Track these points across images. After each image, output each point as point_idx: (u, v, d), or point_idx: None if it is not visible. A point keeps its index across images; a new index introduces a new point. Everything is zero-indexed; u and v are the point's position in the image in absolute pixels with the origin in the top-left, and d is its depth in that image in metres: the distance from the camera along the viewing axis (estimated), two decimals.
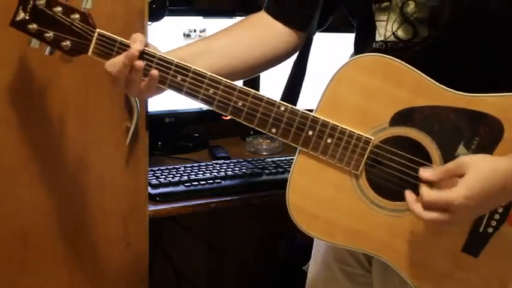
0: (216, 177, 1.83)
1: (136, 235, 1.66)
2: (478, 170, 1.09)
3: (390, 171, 1.19)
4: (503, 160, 1.11)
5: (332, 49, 1.95)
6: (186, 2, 2.25)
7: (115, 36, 1.22)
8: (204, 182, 1.80)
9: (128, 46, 1.20)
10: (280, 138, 1.21)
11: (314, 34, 1.36)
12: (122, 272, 1.66)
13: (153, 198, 1.71)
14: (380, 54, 1.17)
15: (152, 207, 1.69)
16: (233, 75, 1.25)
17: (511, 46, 1.18)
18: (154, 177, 1.79)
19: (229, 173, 1.87)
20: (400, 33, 1.22)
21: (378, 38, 1.24)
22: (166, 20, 1.84)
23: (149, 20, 1.60)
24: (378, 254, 1.22)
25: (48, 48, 1.23)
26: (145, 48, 1.21)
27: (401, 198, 1.16)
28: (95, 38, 1.21)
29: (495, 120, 1.14)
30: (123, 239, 1.64)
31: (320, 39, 1.41)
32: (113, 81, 1.21)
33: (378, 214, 1.20)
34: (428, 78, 1.15)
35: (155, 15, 1.77)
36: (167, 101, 2.08)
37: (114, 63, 1.20)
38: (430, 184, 1.12)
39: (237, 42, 1.35)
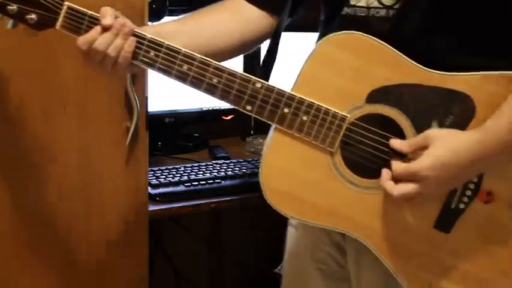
0: (216, 177, 1.83)
1: (136, 235, 1.66)
2: (443, 142, 1.13)
3: (365, 148, 1.20)
4: (472, 133, 1.14)
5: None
6: (186, 2, 2.25)
7: (85, 9, 1.19)
8: (204, 182, 1.80)
9: (98, 19, 1.18)
10: (255, 115, 1.20)
11: (286, 19, 1.36)
12: (122, 272, 1.66)
13: (153, 198, 1.71)
14: (355, 32, 1.17)
15: (152, 207, 1.69)
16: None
17: (487, 12, 1.19)
18: (154, 177, 1.79)
19: (229, 173, 1.87)
20: None
21: (354, 2, 1.24)
22: (167, 20, 1.83)
23: (149, 20, 1.60)
24: (351, 232, 1.23)
25: (11, 21, 1.17)
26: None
27: (376, 175, 1.18)
28: (63, 11, 1.17)
29: (468, 98, 1.16)
30: (123, 239, 1.64)
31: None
32: (87, 56, 1.19)
33: (353, 192, 1.20)
34: (404, 56, 1.16)
35: (155, 15, 1.77)
36: (167, 101, 2.08)
37: (88, 38, 1.17)
38: (403, 159, 1.15)
39: (213, 26, 1.35)
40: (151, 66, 1.21)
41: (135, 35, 1.19)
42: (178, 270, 2.38)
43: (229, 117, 2.23)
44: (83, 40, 1.18)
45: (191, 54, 1.20)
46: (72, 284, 1.61)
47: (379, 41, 1.16)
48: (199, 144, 2.18)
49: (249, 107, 1.20)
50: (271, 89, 1.19)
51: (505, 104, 1.14)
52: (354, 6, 1.24)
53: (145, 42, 1.20)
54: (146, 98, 1.60)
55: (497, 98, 1.15)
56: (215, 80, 1.20)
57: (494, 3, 1.18)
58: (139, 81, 1.56)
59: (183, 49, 1.20)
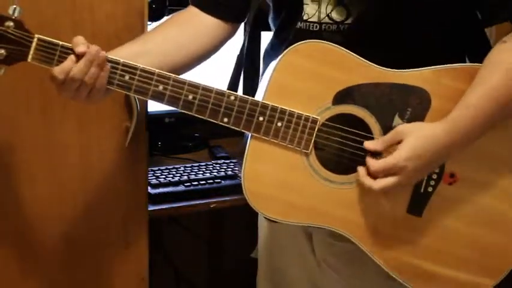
0: (216, 177, 1.83)
1: (136, 235, 1.66)
2: (415, 133, 1.20)
3: (337, 146, 1.27)
4: (440, 123, 1.22)
5: None
6: (186, 2, 2.25)
7: (56, 40, 1.18)
8: (204, 182, 1.80)
9: (70, 49, 1.18)
10: (232, 127, 1.25)
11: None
12: (122, 272, 1.66)
13: (153, 198, 1.71)
14: (318, 40, 1.25)
15: (152, 207, 1.69)
16: (172, 73, 1.26)
17: (435, 24, 1.28)
18: (154, 177, 1.79)
19: (229, 173, 1.87)
20: (334, 15, 1.28)
21: (306, 17, 1.30)
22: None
23: (149, 20, 1.60)
24: (332, 226, 1.28)
25: None
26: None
27: (349, 171, 1.26)
28: (34, 43, 1.17)
29: (423, 91, 1.25)
30: (123, 239, 1.64)
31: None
32: (63, 86, 1.19)
33: (329, 188, 1.27)
34: (362, 58, 1.24)
35: (155, 15, 1.77)
36: None
37: (65, 68, 1.17)
38: (376, 155, 1.23)
39: (171, 42, 1.36)
40: (127, 89, 1.23)
41: (108, 60, 1.21)
42: (178, 270, 2.38)
43: None
44: (59, 70, 1.18)
45: (165, 74, 1.23)
46: (72, 284, 1.61)
47: (339, 46, 1.24)
48: (199, 144, 2.18)
49: (225, 119, 1.25)
50: (245, 99, 1.25)
51: (471, 95, 1.22)
52: (307, 21, 1.31)
53: (120, 67, 1.21)
54: None
55: (449, 88, 1.25)
56: (191, 97, 1.24)
57: (438, 19, 1.28)
58: None
59: (157, 70, 1.23)
